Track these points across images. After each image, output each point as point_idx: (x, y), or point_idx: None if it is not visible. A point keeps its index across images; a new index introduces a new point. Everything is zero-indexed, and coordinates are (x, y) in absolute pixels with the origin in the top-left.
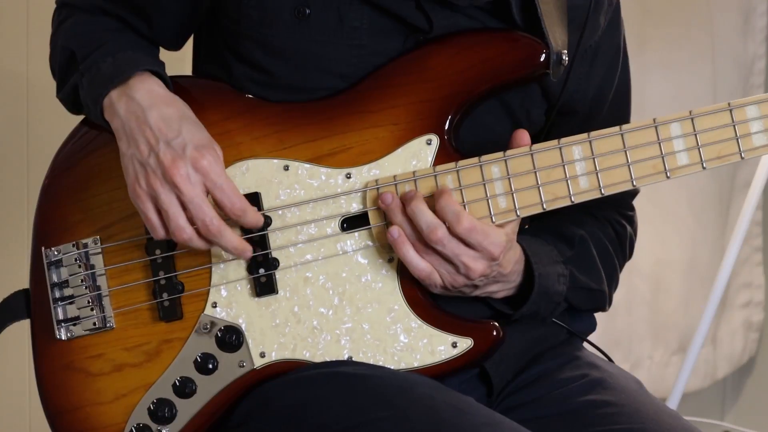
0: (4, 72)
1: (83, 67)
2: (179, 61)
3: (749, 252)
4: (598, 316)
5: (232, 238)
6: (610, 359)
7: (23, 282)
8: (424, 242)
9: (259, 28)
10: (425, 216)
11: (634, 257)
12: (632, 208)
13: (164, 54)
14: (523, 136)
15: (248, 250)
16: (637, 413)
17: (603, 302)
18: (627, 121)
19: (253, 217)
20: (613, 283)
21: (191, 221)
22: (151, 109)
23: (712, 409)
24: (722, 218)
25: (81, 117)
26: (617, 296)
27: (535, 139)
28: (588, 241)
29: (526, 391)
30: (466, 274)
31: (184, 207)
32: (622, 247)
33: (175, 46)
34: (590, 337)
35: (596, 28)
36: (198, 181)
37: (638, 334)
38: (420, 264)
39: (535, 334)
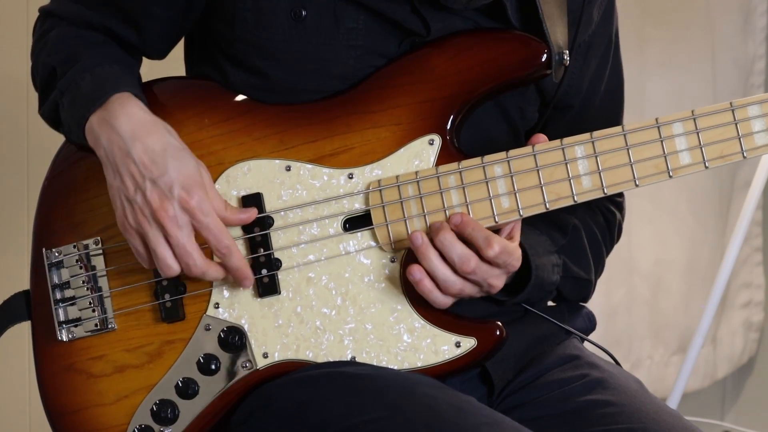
0: (4, 73)
1: (61, 85)
2: (175, 62)
3: (749, 252)
4: (598, 316)
5: (217, 274)
6: (616, 361)
7: (23, 283)
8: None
9: (254, 31)
10: (456, 248)
11: (634, 257)
12: (622, 195)
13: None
14: (539, 137)
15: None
16: (637, 413)
17: (588, 292)
18: (620, 115)
19: (237, 260)
20: (599, 270)
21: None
22: (134, 142)
23: (712, 409)
24: (722, 218)
25: None
26: (617, 296)
27: (530, 135)
28: (580, 230)
29: (527, 390)
30: (488, 291)
31: (171, 247)
32: (611, 233)
33: (162, 54)
34: (590, 337)
35: (590, 23)
36: (186, 223)
37: (638, 334)
38: (444, 301)
39: (535, 333)
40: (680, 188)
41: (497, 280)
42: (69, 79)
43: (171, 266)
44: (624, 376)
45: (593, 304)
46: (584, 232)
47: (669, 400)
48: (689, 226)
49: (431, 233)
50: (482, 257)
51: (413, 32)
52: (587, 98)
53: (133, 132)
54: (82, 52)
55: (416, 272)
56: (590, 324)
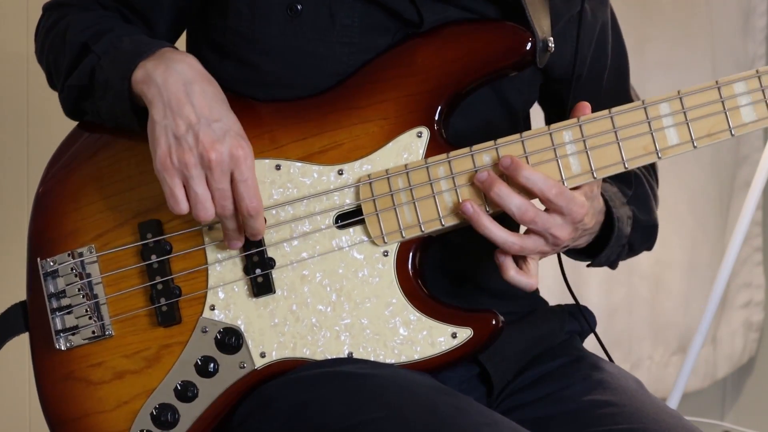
0: (4, 70)
1: (98, 49)
2: None
3: (749, 252)
4: (598, 316)
5: (234, 226)
6: (609, 356)
7: (23, 284)
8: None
9: (249, 24)
10: (513, 199)
11: (634, 257)
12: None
13: None
14: (585, 107)
15: (240, 240)
16: (637, 413)
17: (656, 237)
18: (628, 91)
19: (260, 223)
20: (656, 211)
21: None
22: (193, 84)
23: (712, 409)
24: (722, 218)
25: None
26: (617, 296)
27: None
28: (641, 177)
29: (527, 391)
30: (554, 243)
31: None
32: (655, 173)
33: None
34: (590, 337)
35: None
36: (229, 169)
37: (638, 334)
38: (510, 239)
39: (535, 334)
40: (680, 188)
41: (561, 231)
42: (107, 43)
43: (208, 209)
44: (624, 377)
45: (593, 304)
46: (644, 179)
47: (669, 400)
48: (689, 226)
49: (483, 188)
50: (542, 201)
51: (408, 23)
52: (596, 64)
53: (193, 76)
54: (113, 25)
55: (467, 206)
56: (591, 323)
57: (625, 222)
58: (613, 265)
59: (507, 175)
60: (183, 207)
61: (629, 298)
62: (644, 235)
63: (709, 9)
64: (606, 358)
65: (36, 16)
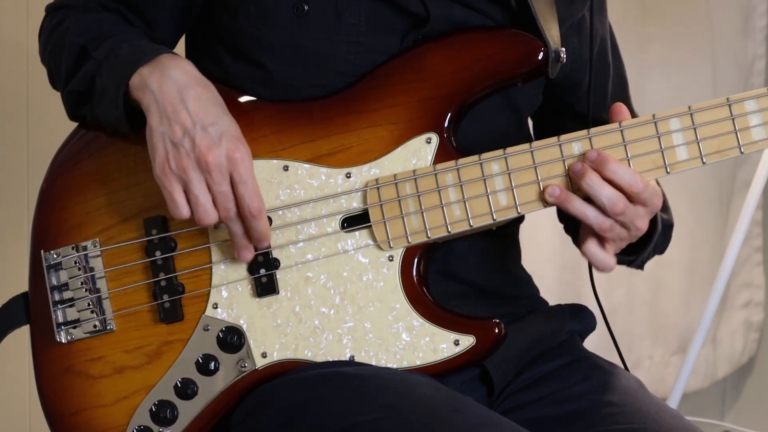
0: (4, 72)
1: (98, 54)
2: None
3: (749, 252)
4: (598, 315)
5: (240, 230)
6: (621, 356)
7: (23, 283)
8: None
9: (257, 24)
10: (605, 190)
11: None
12: None
13: None
14: (622, 109)
15: (250, 250)
16: (638, 413)
17: (671, 237)
18: (628, 100)
19: (264, 225)
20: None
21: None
22: (187, 89)
23: (712, 409)
24: (722, 218)
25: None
26: (617, 296)
27: (536, 119)
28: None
29: (528, 391)
30: (635, 235)
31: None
32: None
33: (169, 47)
34: (590, 337)
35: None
36: (227, 172)
37: (638, 334)
38: (600, 216)
39: (535, 334)
40: (680, 188)
41: (642, 222)
42: (106, 49)
43: (209, 212)
44: (624, 377)
45: (593, 304)
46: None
47: (669, 400)
48: (689, 226)
49: (574, 178)
50: (627, 195)
51: (415, 18)
52: (598, 79)
53: (188, 81)
54: (112, 28)
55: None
56: (590, 324)
57: (658, 218)
58: (642, 266)
59: (593, 168)
60: (184, 211)
61: (629, 298)
62: (665, 236)
63: (709, 9)
64: (616, 358)
65: (36, 15)
